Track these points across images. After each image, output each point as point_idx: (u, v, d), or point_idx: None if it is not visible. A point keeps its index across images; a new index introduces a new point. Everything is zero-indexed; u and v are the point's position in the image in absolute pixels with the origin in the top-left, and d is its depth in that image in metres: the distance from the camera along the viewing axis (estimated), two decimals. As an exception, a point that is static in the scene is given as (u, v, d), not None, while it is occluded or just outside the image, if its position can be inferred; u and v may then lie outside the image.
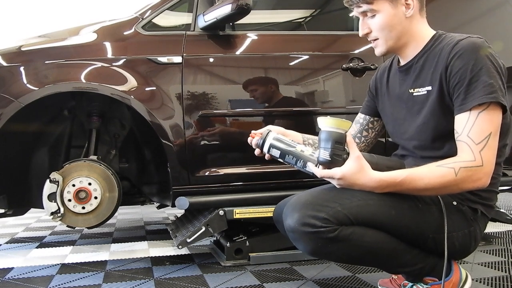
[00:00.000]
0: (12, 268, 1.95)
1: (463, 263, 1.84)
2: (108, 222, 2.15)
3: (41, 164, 2.20)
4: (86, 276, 1.80)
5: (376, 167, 1.20)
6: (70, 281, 1.73)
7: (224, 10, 1.88)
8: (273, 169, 2.02)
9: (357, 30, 2.26)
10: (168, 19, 2.13)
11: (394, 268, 1.35)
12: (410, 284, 1.33)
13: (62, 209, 1.94)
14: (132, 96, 1.90)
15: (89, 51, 1.97)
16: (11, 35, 3.65)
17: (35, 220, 3.28)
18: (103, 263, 2.00)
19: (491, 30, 2.41)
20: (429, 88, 1.27)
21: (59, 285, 1.69)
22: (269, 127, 1.40)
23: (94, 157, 2.10)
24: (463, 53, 1.18)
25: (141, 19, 2.06)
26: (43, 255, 2.17)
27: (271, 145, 1.30)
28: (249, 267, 1.88)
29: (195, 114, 1.97)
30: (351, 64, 2.13)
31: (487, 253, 2.02)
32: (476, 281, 1.62)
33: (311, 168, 1.23)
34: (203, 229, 1.87)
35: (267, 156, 1.34)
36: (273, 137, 1.31)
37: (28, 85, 1.87)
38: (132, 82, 1.92)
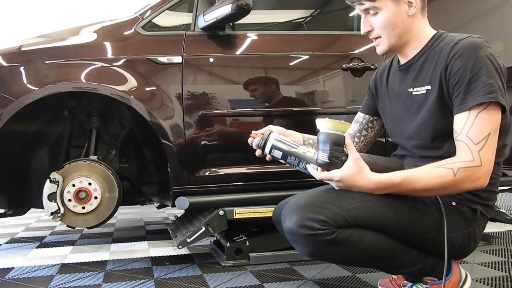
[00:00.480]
0: (12, 268, 1.95)
1: (463, 263, 1.84)
2: (108, 222, 2.15)
3: (41, 164, 2.20)
4: (86, 276, 1.80)
5: (375, 167, 1.20)
6: (70, 281, 1.73)
7: (224, 10, 1.88)
8: (273, 169, 2.02)
9: (357, 30, 2.28)
10: (168, 19, 2.13)
11: (393, 269, 1.35)
12: (410, 284, 1.33)
13: (62, 209, 1.94)
14: (132, 96, 1.90)
15: (89, 51, 1.97)
16: (11, 35, 3.65)
17: (35, 220, 3.28)
18: (103, 263, 2.00)
19: (491, 30, 2.41)
20: (429, 87, 1.27)
21: (59, 285, 1.69)
22: (270, 127, 1.39)
23: (94, 157, 2.10)
24: (463, 53, 1.18)
25: (141, 19, 2.06)
26: (43, 255, 2.17)
27: (273, 146, 1.30)
28: (249, 267, 1.88)
29: (195, 114, 1.97)
30: (351, 64, 2.13)
31: (487, 253, 2.02)
32: (476, 281, 1.62)
33: (310, 170, 1.22)
34: (203, 229, 1.87)
35: (268, 157, 1.33)
36: (274, 138, 1.30)
37: (28, 85, 1.87)
38: (132, 82, 1.92)
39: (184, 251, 2.19)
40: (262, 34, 2.23)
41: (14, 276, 1.82)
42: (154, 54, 1.97)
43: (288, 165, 1.30)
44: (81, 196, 1.98)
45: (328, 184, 1.26)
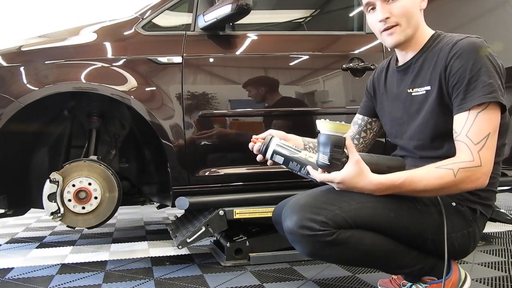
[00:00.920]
0: (12, 268, 1.95)
1: (463, 263, 1.84)
2: (108, 222, 2.15)
3: (41, 164, 2.20)
4: (86, 276, 1.80)
5: (376, 167, 1.20)
6: (70, 281, 1.73)
7: (224, 10, 1.88)
8: (273, 169, 2.02)
9: (358, 30, 2.29)
10: (168, 19, 2.13)
11: (393, 269, 1.35)
12: (409, 283, 1.33)
13: (62, 209, 1.94)
14: (132, 96, 1.90)
15: (89, 51, 1.97)
16: (11, 35, 3.65)
17: (35, 220, 3.28)
18: (103, 263, 2.00)
19: (491, 30, 2.41)
20: (428, 88, 1.27)
21: (59, 285, 1.69)
22: (271, 131, 1.38)
23: (94, 157, 2.10)
24: (462, 53, 1.18)
25: (141, 19, 2.06)
26: (43, 255, 2.17)
27: (274, 152, 1.29)
28: (249, 267, 1.88)
29: (195, 114, 1.97)
30: (351, 64, 2.13)
31: (487, 253, 2.02)
32: (476, 281, 1.61)
33: (310, 171, 1.22)
34: (203, 229, 1.87)
35: (269, 162, 1.32)
36: (276, 143, 1.29)
37: (28, 85, 1.87)
38: (132, 82, 1.92)
39: (184, 251, 2.19)
40: (262, 34, 2.23)
41: (14, 276, 1.82)
42: (154, 54, 1.97)
43: (290, 170, 1.29)
44: (81, 196, 1.98)
45: (328, 184, 1.26)
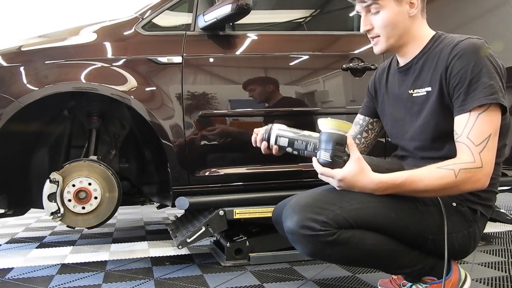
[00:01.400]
0: (12, 268, 1.95)
1: (463, 263, 1.84)
2: (108, 222, 2.15)
3: (41, 164, 2.20)
4: (86, 276, 1.80)
5: (376, 169, 1.20)
6: (70, 281, 1.73)
7: (224, 10, 1.88)
8: (273, 169, 2.02)
9: (358, 30, 2.29)
10: (168, 19, 2.13)
11: (393, 269, 1.35)
12: (410, 284, 1.33)
13: (62, 209, 1.94)
14: (132, 96, 1.90)
15: (89, 51, 1.97)
16: (11, 35, 3.65)
17: (35, 220, 3.28)
18: (103, 263, 2.00)
19: (491, 30, 2.41)
20: (429, 89, 1.27)
21: (59, 285, 1.69)
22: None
23: (94, 157, 2.10)
24: (463, 54, 1.18)
25: (141, 19, 2.06)
26: (43, 255, 2.17)
27: (278, 135, 1.32)
28: (249, 267, 1.88)
29: (195, 114, 1.97)
30: (351, 64, 2.13)
31: (487, 253, 2.02)
32: (476, 281, 1.62)
33: (313, 163, 1.23)
34: (203, 229, 1.87)
35: (275, 149, 1.34)
36: (278, 128, 1.33)
37: (28, 85, 1.87)
38: (132, 82, 1.92)
39: (184, 251, 2.19)
40: (262, 34, 2.23)
41: (14, 276, 1.82)
42: (154, 54, 1.97)
43: (296, 152, 1.30)
44: (81, 196, 1.98)
45: (329, 184, 1.26)
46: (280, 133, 1.32)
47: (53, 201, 1.94)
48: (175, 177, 1.95)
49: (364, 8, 1.30)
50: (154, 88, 1.94)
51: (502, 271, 1.75)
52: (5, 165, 2.05)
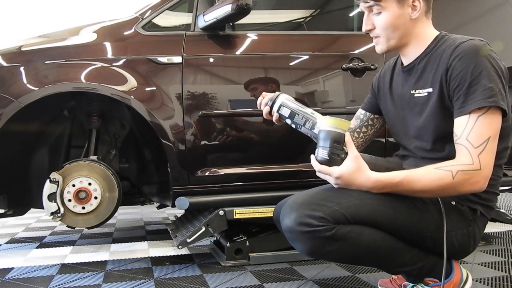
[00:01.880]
0: (12, 268, 1.95)
1: (463, 263, 1.84)
2: (108, 222, 2.15)
3: (41, 164, 2.20)
4: (86, 276, 1.80)
5: (374, 167, 1.20)
6: (70, 281, 1.73)
7: (224, 10, 1.88)
8: (273, 169, 2.02)
9: (357, 30, 2.29)
10: (168, 19, 2.13)
11: (393, 268, 1.35)
12: (411, 284, 1.33)
13: (62, 209, 1.94)
14: (132, 96, 1.90)
15: (89, 51, 1.97)
16: (11, 35, 3.65)
17: (35, 220, 3.28)
18: (103, 263, 2.00)
19: (491, 30, 2.41)
20: (430, 90, 1.27)
21: (59, 285, 1.69)
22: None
23: (94, 157, 2.10)
24: (463, 56, 1.18)
25: (141, 19, 2.06)
26: (43, 255, 2.17)
27: (282, 104, 1.33)
28: (249, 267, 1.88)
29: (195, 114, 1.97)
30: (351, 64, 2.13)
31: (487, 253, 2.03)
32: (476, 281, 1.62)
33: (311, 160, 1.23)
34: (203, 229, 1.87)
35: (275, 116, 1.36)
36: (285, 97, 1.35)
37: (28, 85, 1.87)
38: (132, 82, 1.92)
39: (184, 251, 2.19)
40: (262, 34, 2.23)
41: (14, 276, 1.82)
42: (154, 54, 1.97)
43: (294, 126, 1.32)
44: (81, 196, 1.98)
45: (327, 183, 1.26)
46: (285, 102, 1.33)
47: (53, 201, 1.94)
48: (175, 177, 1.95)
49: (366, 8, 1.31)
50: (154, 88, 1.94)
51: (502, 271, 1.75)
52: (5, 165, 2.05)
